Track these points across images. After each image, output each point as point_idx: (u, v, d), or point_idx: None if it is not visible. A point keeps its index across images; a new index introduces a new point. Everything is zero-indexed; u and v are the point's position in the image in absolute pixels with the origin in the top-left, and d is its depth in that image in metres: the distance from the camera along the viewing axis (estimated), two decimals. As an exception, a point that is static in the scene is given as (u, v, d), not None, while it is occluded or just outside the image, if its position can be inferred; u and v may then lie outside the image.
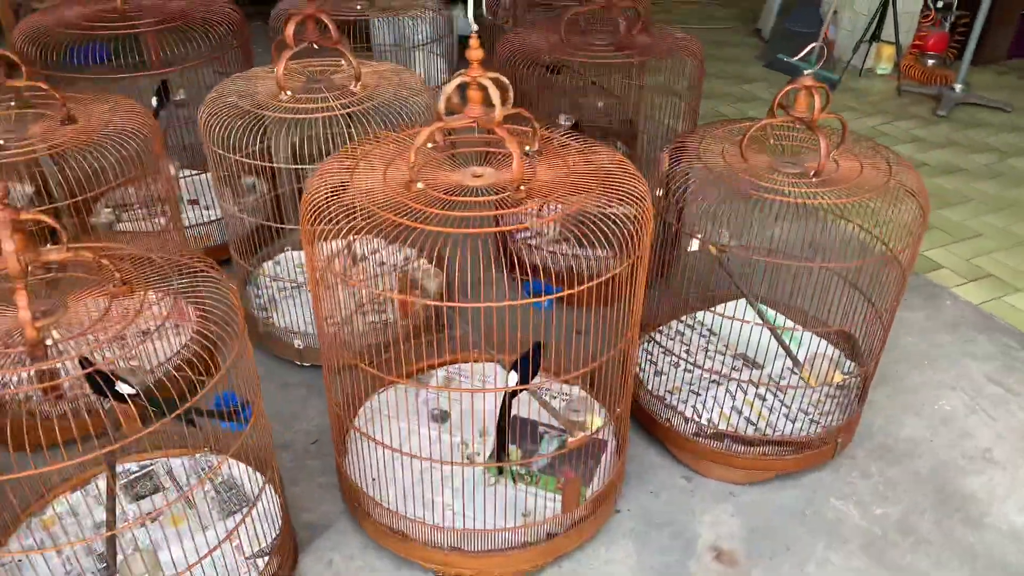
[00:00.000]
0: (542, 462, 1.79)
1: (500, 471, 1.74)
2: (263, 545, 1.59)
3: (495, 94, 1.37)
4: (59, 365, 1.59)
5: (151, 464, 1.77)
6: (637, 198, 1.46)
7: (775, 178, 1.65)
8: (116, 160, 1.83)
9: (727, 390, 1.99)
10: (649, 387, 2.02)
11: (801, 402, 1.98)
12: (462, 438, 1.85)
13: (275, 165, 2.05)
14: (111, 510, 1.48)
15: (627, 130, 2.99)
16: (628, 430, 1.84)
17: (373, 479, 1.72)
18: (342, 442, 1.78)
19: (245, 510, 1.57)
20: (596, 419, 1.78)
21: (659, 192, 1.89)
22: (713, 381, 2.02)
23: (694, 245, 1.99)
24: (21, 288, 1.16)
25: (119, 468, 1.75)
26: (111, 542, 1.44)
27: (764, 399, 1.99)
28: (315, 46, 2.05)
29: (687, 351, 2.15)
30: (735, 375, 2.03)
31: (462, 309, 1.75)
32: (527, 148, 1.54)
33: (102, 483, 1.70)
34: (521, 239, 2.56)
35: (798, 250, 2.09)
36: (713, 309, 2.15)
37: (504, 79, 1.42)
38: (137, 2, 2.53)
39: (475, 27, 1.39)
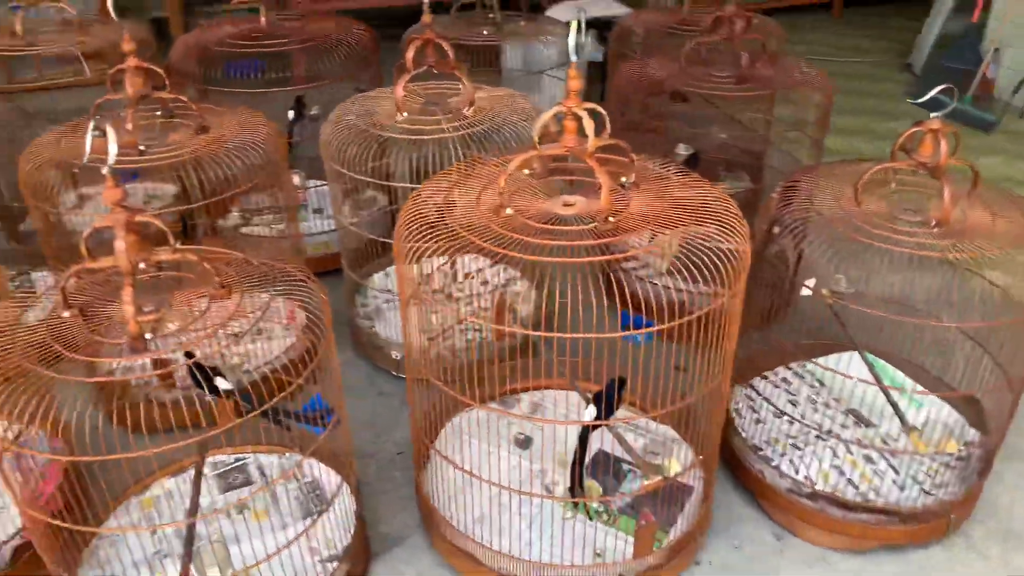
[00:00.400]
0: (622, 500, 1.74)
1: (576, 506, 1.71)
2: (336, 550, 1.62)
3: (589, 125, 1.36)
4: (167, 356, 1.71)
5: (245, 458, 1.86)
6: (734, 234, 1.40)
7: (891, 226, 1.54)
8: (241, 168, 1.95)
9: (830, 447, 1.86)
10: (744, 435, 1.92)
11: (912, 469, 1.83)
12: (542, 466, 1.83)
13: (384, 182, 2.11)
14: (194, 500, 1.56)
15: (752, 163, 2.89)
16: (715, 476, 1.76)
17: (449, 498, 1.73)
18: (422, 457, 1.80)
19: (320, 513, 1.61)
20: (675, 463, 1.71)
21: (772, 229, 1.81)
22: (817, 436, 1.90)
23: (806, 290, 1.89)
24: (129, 284, 1.25)
25: (216, 458, 1.84)
26: (190, 529, 1.51)
27: (872, 461, 1.85)
28: (434, 70, 2.11)
29: (791, 402, 2.03)
30: (842, 432, 1.90)
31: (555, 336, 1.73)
32: (623, 179, 1.52)
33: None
34: (627, 269, 2.51)
35: (920, 302, 1.93)
36: (816, 360, 2.02)
37: (600, 110, 1.40)
38: (280, 23, 2.69)
39: (574, 57, 1.39)
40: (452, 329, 2.13)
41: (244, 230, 2.52)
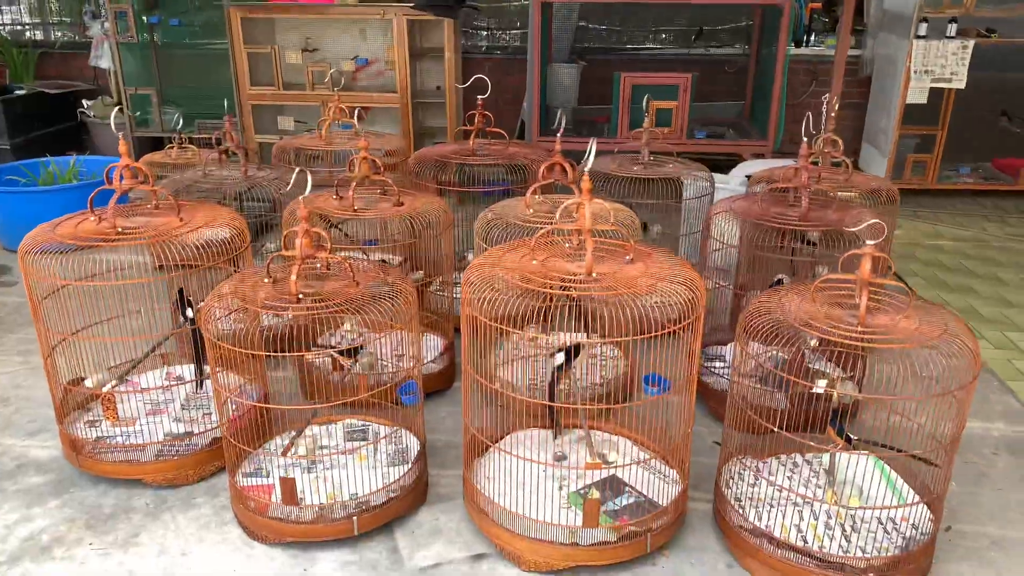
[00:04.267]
0: (612, 506, 2.26)
1: (571, 499, 2.27)
2: (400, 476, 2.35)
3: (588, 213, 2.04)
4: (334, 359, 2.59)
5: (367, 425, 2.67)
6: (685, 286, 1.99)
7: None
8: (409, 227, 2.88)
9: (799, 510, 2.23)
10: (731, 489, 2.33)
11: (868, 538, 2.14)
12: (563, 473, 2.40)
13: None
14: (307, 420, 2.39)
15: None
16: (687, 500, 2.23)
17: (485, 478, 2.37)
18: (473, 452, 2.45)
19: (405, 466, 2.38)
20: (616, 457, 2.24)
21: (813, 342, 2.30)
22: (793, 503, 2.27)
23: (820, 387, 2.32)
24: (297, 265, 2.14)
25: (349, 421, 2.67)
26: (304, 427, 2.34)
27: (829, 527, 2.18)
28: (559, 184, 2.90)
29: (789, 478, 2.40)
30: (815, 499, 2.26)
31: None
32: (627, 257, 2.16)
33: (337, 428, 2.64)
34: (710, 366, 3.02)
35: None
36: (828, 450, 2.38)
37: (604, 205, 2.08)
38: (484, 146, 3.68)
39: (585, 169, 2.08)
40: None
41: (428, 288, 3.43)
